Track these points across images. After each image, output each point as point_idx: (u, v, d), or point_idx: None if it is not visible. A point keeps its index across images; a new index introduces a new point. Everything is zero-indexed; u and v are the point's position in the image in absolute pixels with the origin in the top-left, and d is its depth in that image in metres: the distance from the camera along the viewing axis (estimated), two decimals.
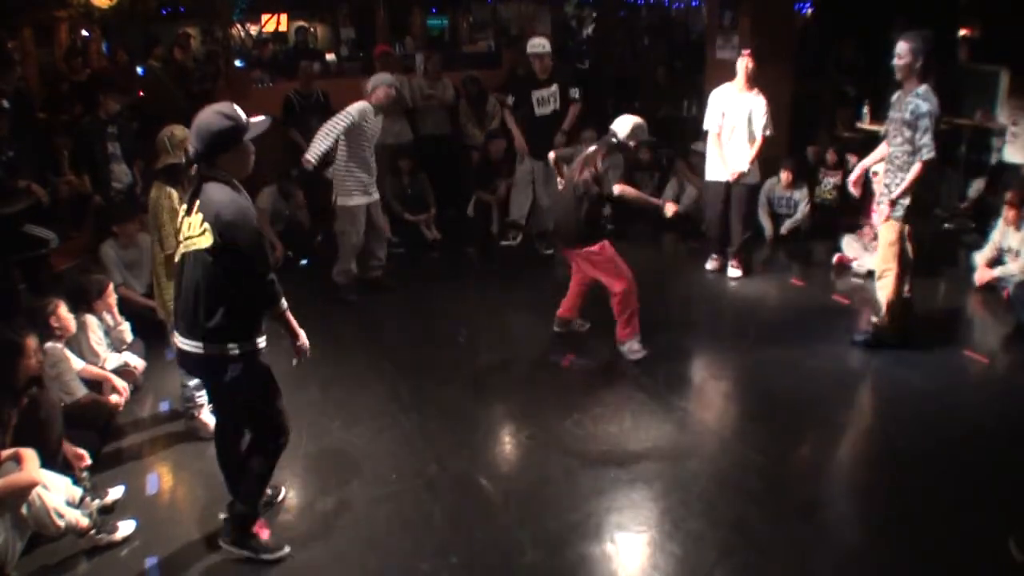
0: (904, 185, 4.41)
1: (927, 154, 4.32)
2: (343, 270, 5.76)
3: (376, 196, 5.70)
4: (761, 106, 5.77)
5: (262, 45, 9.99)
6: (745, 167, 5.84)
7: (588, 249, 4.66)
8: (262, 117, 2.95)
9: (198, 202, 2.80)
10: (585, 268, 4.80)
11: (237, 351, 2.84)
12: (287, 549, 3.15)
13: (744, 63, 5.74)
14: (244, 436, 3.19)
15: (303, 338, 3.08)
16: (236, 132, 2.82)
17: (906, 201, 4.45)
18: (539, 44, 6.36)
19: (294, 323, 3.03)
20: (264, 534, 3.19)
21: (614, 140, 4.71)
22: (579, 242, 4.70)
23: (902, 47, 4.37)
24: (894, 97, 4.59)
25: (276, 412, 3.07)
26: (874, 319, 4.82)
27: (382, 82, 5.52)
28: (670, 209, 4.82)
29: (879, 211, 4.66)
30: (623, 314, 4.71)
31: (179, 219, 3.02)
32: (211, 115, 2.81)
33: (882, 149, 4.73)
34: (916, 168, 4.35)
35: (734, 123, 5.83)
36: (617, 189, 4.51)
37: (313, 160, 5.26)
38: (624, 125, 4.72)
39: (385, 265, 6.04)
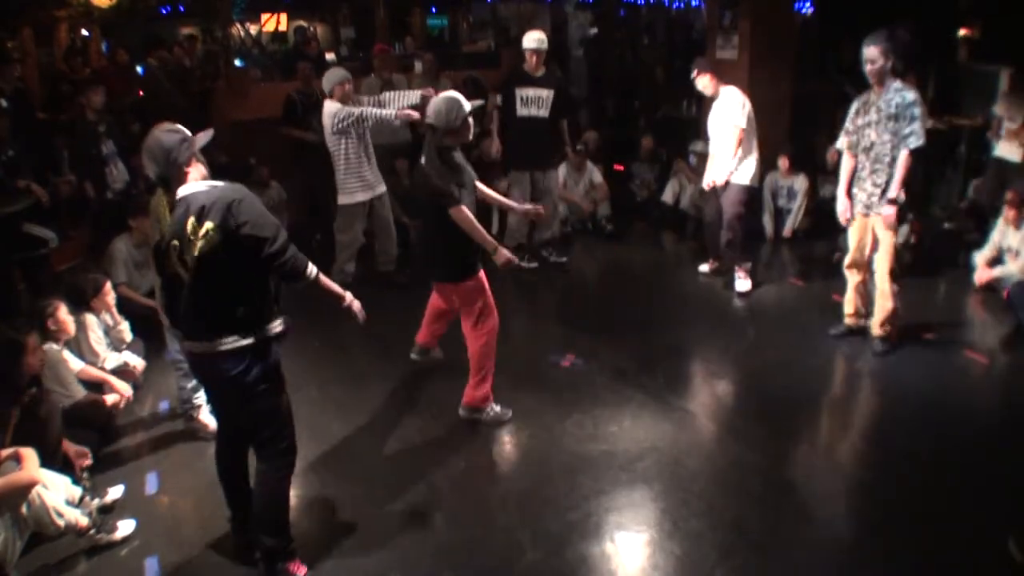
0: (899, 178, 4.31)
1: (915, 142, 4.23)
2: (338, 269, 5.77)
3: (378, 191, 5.66)
4: (732, 98, 5.48)
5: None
6: (723, 174, 5.56)
7: (461, 285, 3.84)
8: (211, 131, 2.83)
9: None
10: (448, 302, 4.13)
11: (252, 340, 2.69)
12: None
13: (703, 83, 5.58)
14: (247, 450, 3.05)
15: (349, 297, 3.01)
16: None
17: (903, 197, 4.35)
18: (537, 38, 5.96)
19: (332, 286, 2.95)
20: (301, 572, 2.98)
21: (432, 131, 3.66)
22: (447, 277, 3.89)
23: (872, 51, 4.20)
24: (858, 103, 4.48)
25: (286, 418, 2.91)
26: (879, 331, 4.69)
27: (335, 81, 5.42)
28: (501, 257, 3.76)
29: (877, 212, 4.47)
30: (480, 371, 3.99)
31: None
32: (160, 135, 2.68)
33: (848, 165, 4.61)
34: (904, 158, 4.26)
35: (715, 129, 5.65)
36: (454, 213, 3.61)
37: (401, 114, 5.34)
38: (433, 109, 3.64)
39: (395, 260, 6.02)
